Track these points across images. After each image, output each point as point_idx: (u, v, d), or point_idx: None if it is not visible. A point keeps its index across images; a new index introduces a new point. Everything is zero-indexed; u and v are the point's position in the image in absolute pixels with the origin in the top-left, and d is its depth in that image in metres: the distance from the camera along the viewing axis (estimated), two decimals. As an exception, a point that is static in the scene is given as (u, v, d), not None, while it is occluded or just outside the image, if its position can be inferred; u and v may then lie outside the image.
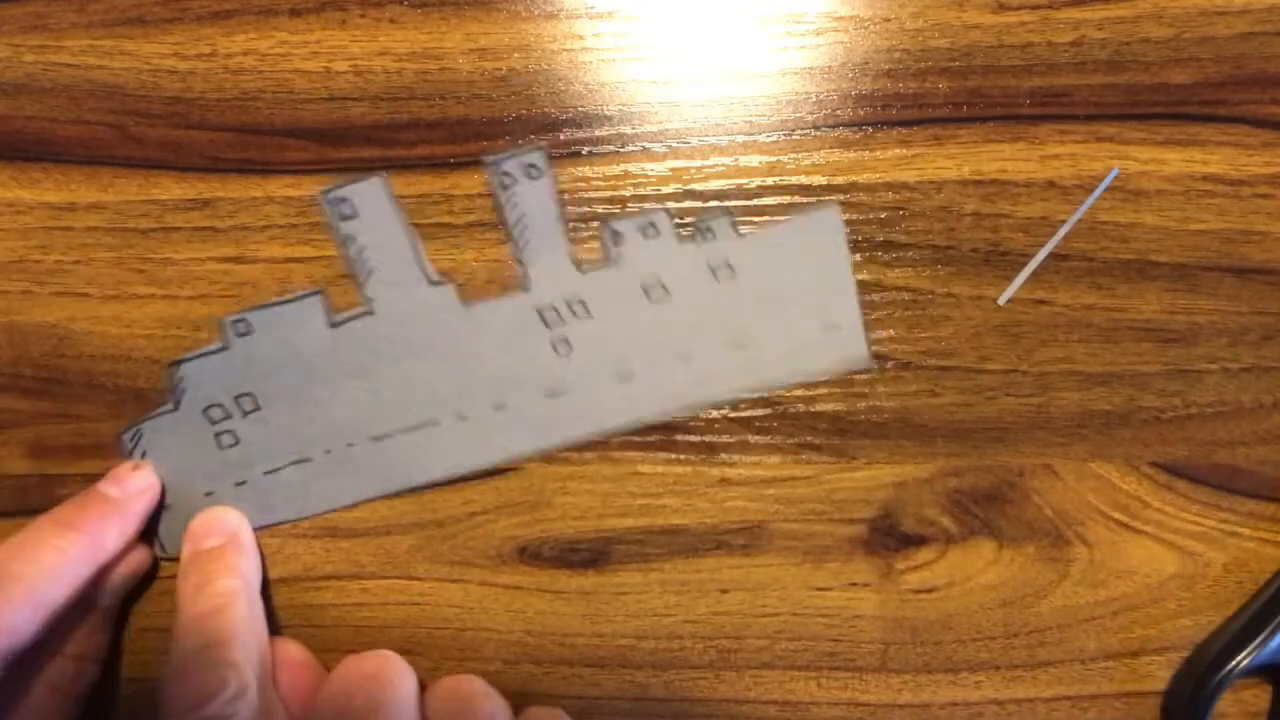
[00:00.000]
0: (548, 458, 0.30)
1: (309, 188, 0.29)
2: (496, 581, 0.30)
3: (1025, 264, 0.28)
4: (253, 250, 0.29)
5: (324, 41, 0.28)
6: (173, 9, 0.29)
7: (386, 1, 0.28)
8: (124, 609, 0.31)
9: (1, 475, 0.31)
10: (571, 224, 0.29)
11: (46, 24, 0.29)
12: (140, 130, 0.29)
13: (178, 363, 0.29)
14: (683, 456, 0.30)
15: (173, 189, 0.29)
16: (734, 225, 0.28)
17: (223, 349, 0.29)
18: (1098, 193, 0.28)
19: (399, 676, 0.28)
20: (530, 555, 0.30)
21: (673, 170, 0.28)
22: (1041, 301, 0.29)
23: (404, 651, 0.29)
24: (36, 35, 0.29)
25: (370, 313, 0.29)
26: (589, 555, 0.30)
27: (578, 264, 0.29)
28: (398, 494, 0.30)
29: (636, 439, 0.30)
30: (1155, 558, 0.29)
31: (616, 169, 0.29)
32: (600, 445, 0.30)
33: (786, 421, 0.29)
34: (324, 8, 0.28)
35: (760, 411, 0.29)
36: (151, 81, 0.29)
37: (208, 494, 0.30)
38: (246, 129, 0.29)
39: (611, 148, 0.28)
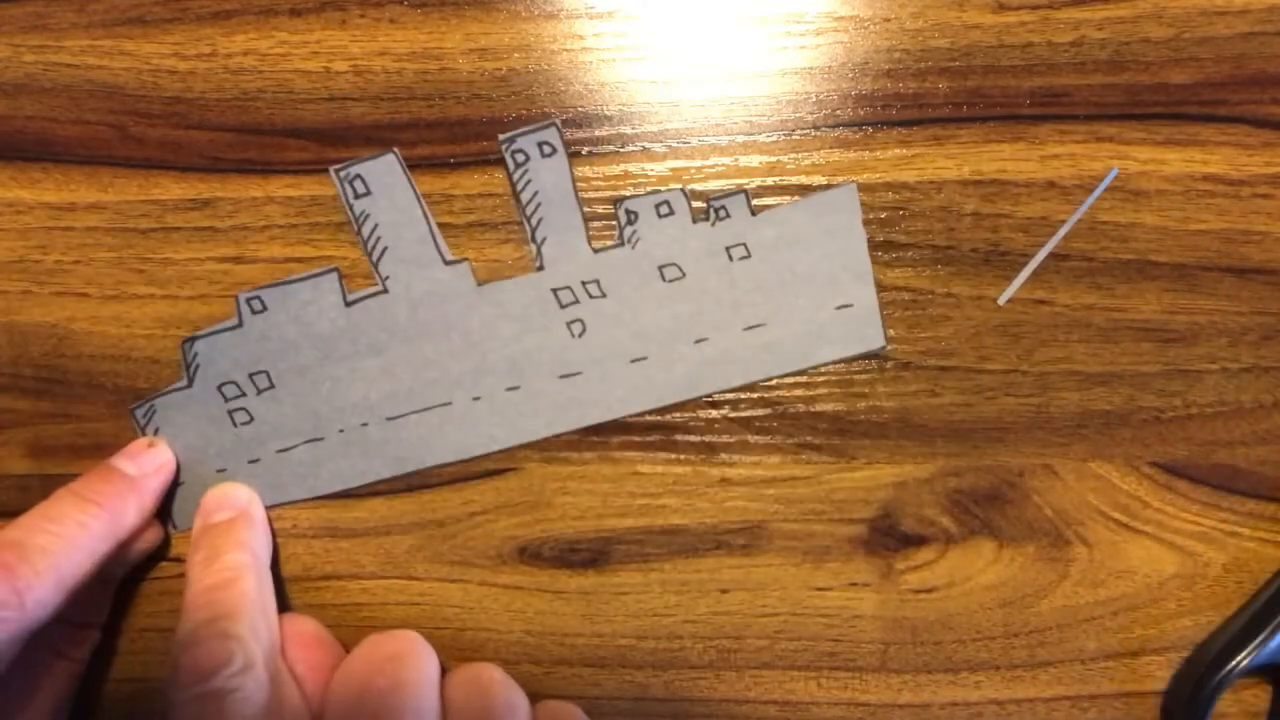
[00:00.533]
0: (548, 458, 0.30)
1: (309, 188, 0.29)
2: (496, 581, 0.30)
3: (1025, 264, 0.28)
4: (253, 250, 0.29)
5: (324, 41, 0.28)
6: (173, 9, 0.29)
7: (386, 1, 0.28)
8: (124, 609, 0.31)
9: (1, 475, 0.31)
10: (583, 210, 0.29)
11: (46, 24, 0.29)
12: (140, 130, 0.29)
13: (192, 339, 0.29)
14: (683, 456, 0.30)
15: (173, 189, 0.29)
16: (749, 205, 0.28)
17: (237, 326, 0.29)
18: (1098, 193, 0.28)
19: (422, 657, 0.27)
20: (530, 555, 0.30)
21: (673, 170, 0.28)
22: (1041, 301, 0.29)
23: (404, 651, 0.29)
24: (36, 35, 0.29)
25: (384, 291, 0.29)
26: (589, 555, 0.30)
27: (592, 244, 0.29)
28: (410, 475, 0.30)
29: (636, 439, 0.30)
30: (1155, 558, 0.29)
31: (616, 169, 0.28)
32: (600, 445, 0.30)
33: (786, 421, 0.29)
34: (324, 8, 0.28)
35: (760, 411, 0.29)
36: (151, 81, 0.29)
37: (220, 471, 0.30)
38: (246, 129, 0.29)
39: (611, 148, 0.28)
